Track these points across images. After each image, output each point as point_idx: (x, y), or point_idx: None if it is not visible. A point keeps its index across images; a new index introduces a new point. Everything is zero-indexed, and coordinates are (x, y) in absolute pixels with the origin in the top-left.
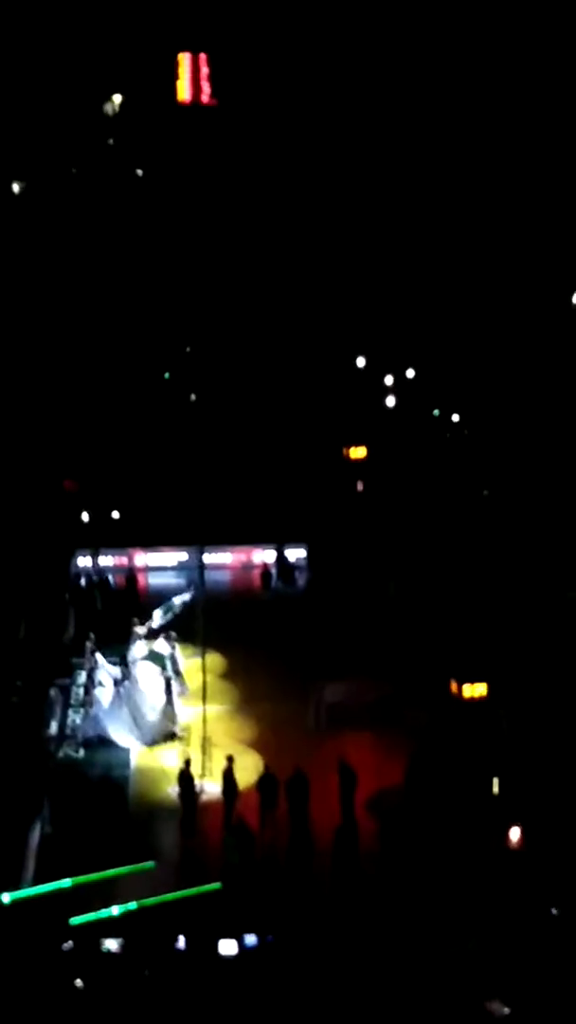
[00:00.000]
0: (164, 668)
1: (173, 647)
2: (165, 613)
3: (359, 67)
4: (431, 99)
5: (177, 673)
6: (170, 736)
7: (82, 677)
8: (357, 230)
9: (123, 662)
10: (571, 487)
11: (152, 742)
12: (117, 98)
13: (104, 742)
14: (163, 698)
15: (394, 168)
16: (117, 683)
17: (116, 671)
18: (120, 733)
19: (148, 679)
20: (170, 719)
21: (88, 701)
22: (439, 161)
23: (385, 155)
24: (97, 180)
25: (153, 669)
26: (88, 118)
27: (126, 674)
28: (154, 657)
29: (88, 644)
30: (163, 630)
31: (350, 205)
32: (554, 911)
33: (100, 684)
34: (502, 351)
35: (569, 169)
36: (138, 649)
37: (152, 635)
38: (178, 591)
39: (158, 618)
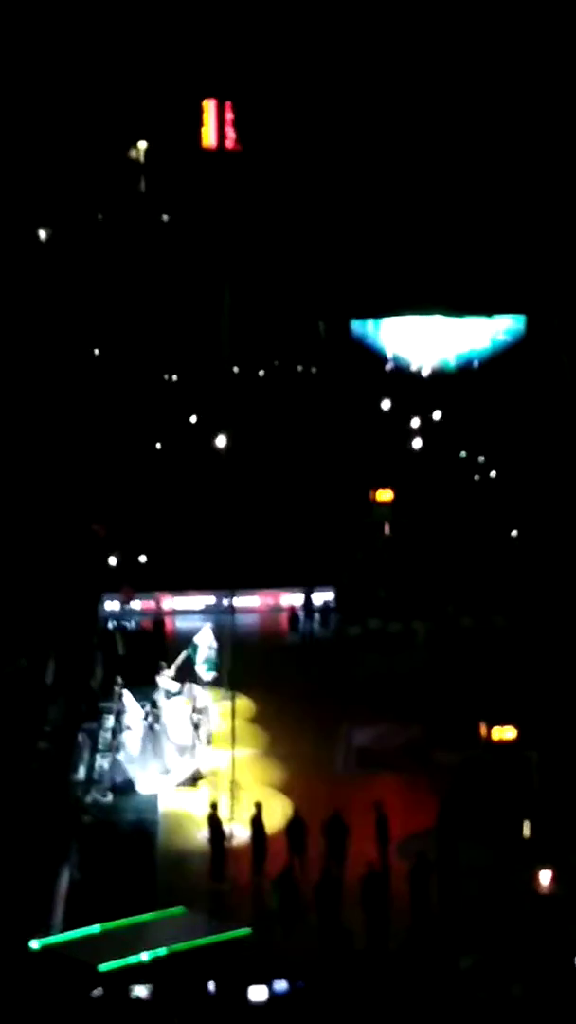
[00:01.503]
0: (193, 710)
1: (202, 690)
2: (192, 654)
3: (375, 114)
4: (452, 142)
5: (203, 715)
6: (195, 779)
7: (110, 721)
8: (380, 265)
9: (153, 705)
10: None
11: (178, 785)
12: (142, 144)
13: (131, 787)
14: (190, 740)
15: (415, 204)
16: (146, 727)
17: (143, 714)
18: (147, 777)
19: (175, 721)
20: (196, 762)
21: (116, 745)
22: (456, 192)
23: (406, 196)
24: (123, 226)
25: (181, 711)
26: (114, 164)
27: (155, 717)
28: (180, 700)
29: (116, 688)
30: (188, 671)
31: (372, 242)
32: None
33: (128, 728)
34: (526, 391)
35: None
36: (165, 692)
37: (179, 678)
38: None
39: (182, 660)
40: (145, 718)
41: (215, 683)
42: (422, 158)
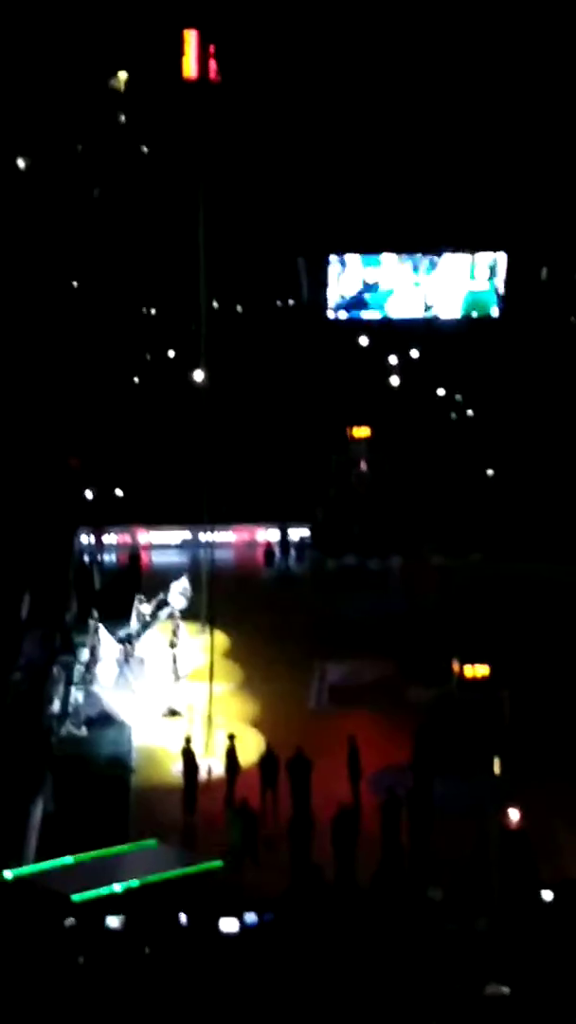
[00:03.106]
0: (170, 646)
1: (177, 625)
2: (166, 596)
3: (364, 47)
4: (437, 87)
5: (180, 649)
6: (173, 713)
7: (84, 655)
8: (360, 201)
9: (127, 640)
10: (572, 466)
11: (155, 719)
12: (123, 75)
13: (107, 720)
14: (168, 675)
15: (396, 142)
16: (121, 661)
17: (119, 648)
18: (123, 710)
19: (152, 656)
20: (174, 696)
21: (90, 679)
22: (439, 137)
23: (388, 131)
24: (102, 157)
25: (158, 646)
26: (94, 94)
27: (130, 652)
28: (158, 634)
29: (91, 622)
30: (164, 605)
31: (353, 178)
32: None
33: (102, 660)
34: (505, 330)
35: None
36: (142, 626)
37: (155, 613)
38: (180, 569)
39: (164, 599)
40: (122, 652)
41: (190, 618)
42: (406, 91)
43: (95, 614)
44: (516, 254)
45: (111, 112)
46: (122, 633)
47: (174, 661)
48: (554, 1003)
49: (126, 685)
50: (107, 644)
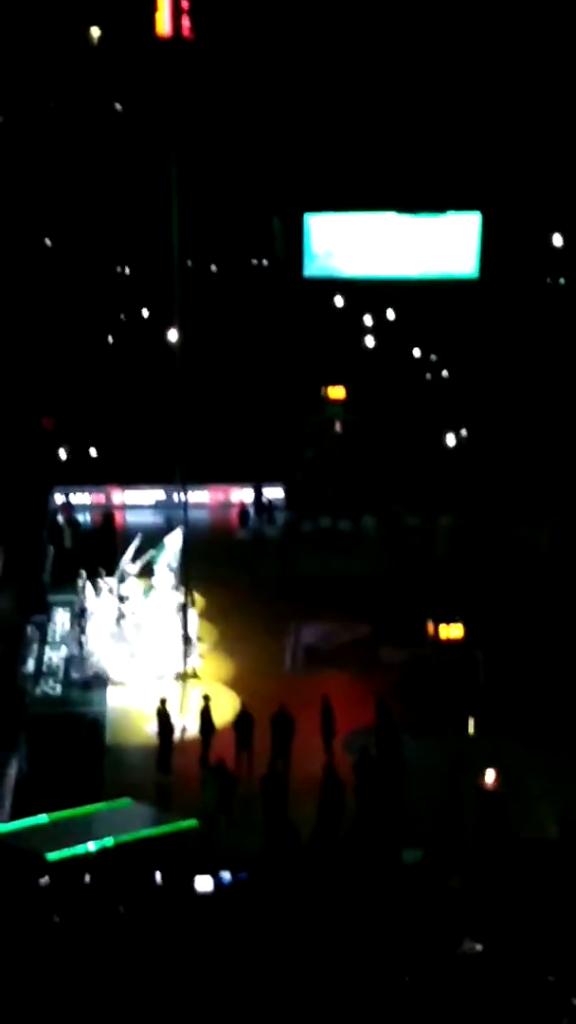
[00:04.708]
0: (180, 608)
1: (179, 584)
2: (157, 552)
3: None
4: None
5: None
6: (190, 675)
7: (60, 614)
8: (334, 160)
9: (121, 599)
10: (548, 428)
11: (157, 679)
12: (95, 31)
13: (102, 682)
14: (174, 634)
15: (370, 100)
16: (117, 620)
17: (115, 608)
18: (120, 670)
19: (157, 616)
20: (175, 658)
21: (82, 639)
22: (413, 95)
23: (363, 90)
24: (75, 114)
25: (164, 606)
26: (66, 51)
27: (123, 611)
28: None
29: (80, 581)
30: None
31: (327, 136)
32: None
33: (92, 617)
34: (482, 292)
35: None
36: (137, 586)
37: (146, 572)
38: (155, 529)
39: (152, 557)
40: (116, 611)
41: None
42: (380, 47)
43: (84, 573)
44: (491, 215)
45: (84, 69)
46: (119, 591)
47: (184, 623)
48: (527, 959)
49: (124, 646)
50: (98, 603)
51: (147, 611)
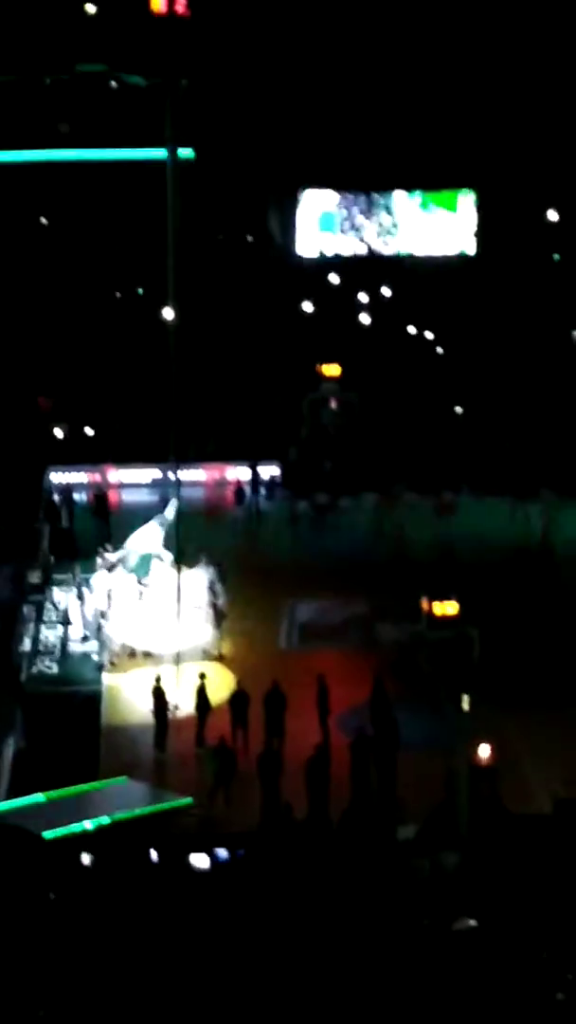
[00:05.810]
0: (210, 588)
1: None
2: (161, 526)
3: None
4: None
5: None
6: (216, 656)
7: (55, 593)
8: (330, 138)
9: (139, 579)
10: (542, 404)
11: (184, 658)
12: (90, 8)
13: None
14: (202, 612)
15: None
16: (136, 598)
17: (134, 586)
18: (150, 642)
19: (190, 593)
20: (209, 636)
21: (103, 613)
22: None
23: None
24: (70, 91)
25: (197, 584)
26: (62, 28)
27: (141, 589)
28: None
29: (99, 560)
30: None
31: (323, 114)
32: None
33: (111, 598)
34: (477, 269)
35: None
36: (160, 564)
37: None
38: (151, 508)
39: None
40: (134, 588)
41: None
42: (377, 25)
43: (106, 548)
44: (488, 192)
45: (78, 46)
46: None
47: (214, 604)
48: (521, 936)
49: (148, 623)
50: (115, 582)
51: (158, 586)
